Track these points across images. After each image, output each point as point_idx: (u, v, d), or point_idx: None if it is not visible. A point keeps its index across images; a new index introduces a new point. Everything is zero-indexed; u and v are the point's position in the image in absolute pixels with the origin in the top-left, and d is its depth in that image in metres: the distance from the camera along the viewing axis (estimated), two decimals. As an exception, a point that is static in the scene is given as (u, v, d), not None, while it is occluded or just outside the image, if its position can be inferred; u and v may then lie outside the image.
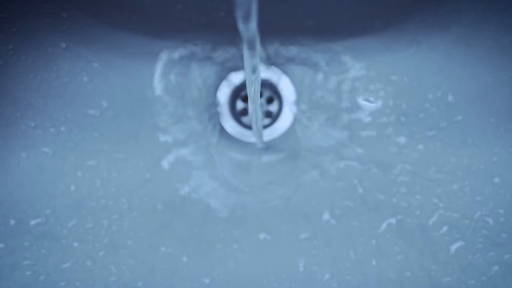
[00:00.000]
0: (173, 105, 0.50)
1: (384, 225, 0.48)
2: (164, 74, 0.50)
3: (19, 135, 0.45)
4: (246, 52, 0.30)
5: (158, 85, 0.50)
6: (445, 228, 0.47)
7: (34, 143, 0.46)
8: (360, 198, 0.49)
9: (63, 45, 0.45)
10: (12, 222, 0.45)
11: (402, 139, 0.49)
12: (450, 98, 0.47)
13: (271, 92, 0.53)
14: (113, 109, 0.49)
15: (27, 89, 0.45)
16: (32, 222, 0.45)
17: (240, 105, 0.53)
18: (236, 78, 0.51)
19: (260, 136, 0.45)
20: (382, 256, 0.47)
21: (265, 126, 0.52)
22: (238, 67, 0.51)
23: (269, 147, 0.51)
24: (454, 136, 0.48)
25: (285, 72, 0.51)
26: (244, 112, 0.53)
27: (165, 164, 0.50)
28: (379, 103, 0.50)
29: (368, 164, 0.50)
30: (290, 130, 0.51)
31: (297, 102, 0.51)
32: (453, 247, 0.46)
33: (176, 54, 0.49)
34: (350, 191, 0.49)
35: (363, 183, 0.49)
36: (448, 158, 0.48)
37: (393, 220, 0.48)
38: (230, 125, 0.52)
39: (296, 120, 0.51)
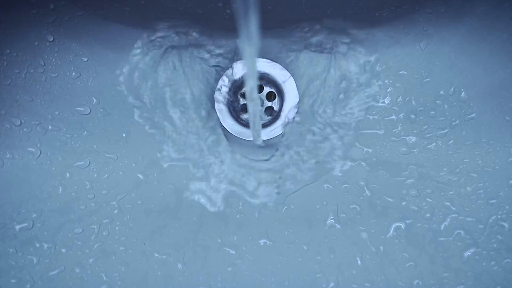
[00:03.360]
0: (168, 102, 0.48)
1: (392, 230, 0.45)
2: (158, 69, 0.47)
3: (3, 134, 0.43)
4: (244, 47, 0.28)
5: (151, 80, 0.48)
6: (457, 233, 0.44)
7: (20, 143, 0.44)
8: (367, 201, 0.47)
9: (51, 38, 0.43)
10: (-4, 226, 0.43)
11: (412, 138, 0.47)
12: (463, 94, 0.45)
13: (273, 88, 0.50)
14: (104, 106, 0.46)
15: (12, 85, 0.43)
16: (17, 227, 0.43)
17: (239, 102, 0.51)
18: (235, 73, 0.49)
19: (258, 135, 0.43)
20: (391, 263, 0.45)
21: (266, 124, 0.50)
22: (237, 61, 0.49)
23: (268, 146, 0.49)
24: (467, 135, 0.45)
25: (287, 67, 0.48)
26: (244, 109, 0.51)
27: (159, 164, 0.48)
28: (387, 100, 0.47)
29: (376, 165, 0.47)
30: (292, 128, 0.49)
31: (300, 99, 0.48)
32: (466, 254, 0.44)
33: (171, 48, 0.47)
34: (356, 194, 0.47)
35: (370, 185, 0.47)
36: (461, 158, 0.45)
37: (402, 225, 0.45)
38: (228, 123, 0.49)
39: (298, 117, 0.48)
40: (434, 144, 0.46)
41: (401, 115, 0.47)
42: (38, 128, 0.44)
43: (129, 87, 0.47)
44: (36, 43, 0.43)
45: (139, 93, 0.47)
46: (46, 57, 0.44)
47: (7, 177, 0.43)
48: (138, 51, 0.46)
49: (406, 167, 0.47)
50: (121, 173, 0.47)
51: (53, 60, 0.44)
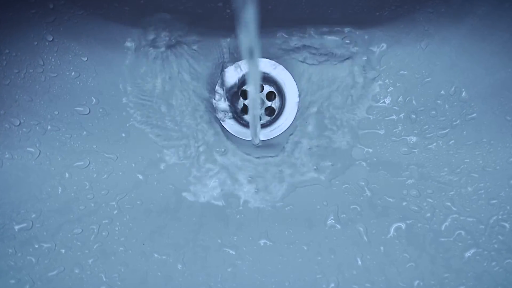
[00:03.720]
0: (167, 102, 0.48)
1: (393, 230, 0.45)
2: (158, 68, 0.47)
3: (2, 134, 0.43)
4: (245, 47, 0.28)
5: (151, 80, 0.47)
6: (458, 234, 0.44)
7: (19, 143, 0.44)
8: (368, 202, 0.46)
9: (50, 38, 0.43)
10: (-5, 227, 0.43)
11: (412, 138, 0.46)
12: (463, 94, 0.45)
13: (273, 88, 0.50)
14: (103, 106, 0.46)
15: (11, 85, 0.42)
16: (17, 227, 0.43)
17: (240, 102, 0.51)
18: (236, 72, 0.48)
19: (256, 135, 0.43)
20: (391, 263, 0.44)
21: (266, 124, 0.49)
22: (238, 61, 0.49)
23: (268, 146, 0.49)
24: (468, 134, 0.45)
25: (288, 67, 0.48)
26: (244, 109, 0.51)
27: (158, 165, 0.47)
28: (388, 100, 0.47)
29: (376, 165, 0.47)
30: (292, 128, 0.48)
31: (300, 99, 0.48)
32: (467, 254, 0.43)
33: (171, 48, 0.47)
34: (356, 194, 0.47)
35: (370, 186, 0.47)
36: (461, 158, 0.45)
37: (402, 225, 0.45)
38: (228, 123, 0.49)
39: (298, 117, 0.48)
40: (434, 144, 0.46)
41: (401, 115, 0.47)
42: (37, 128, 0.44)
43: (129, 87, 0.47)
44: (36, 43, 0.43)
45: (139, 93, 0.47)
46: (45, 56, 0.43)
47: (6, 177, 0.43)
48: (138, 50, 0.46)
49: (407, 167, 0.46)
50: (120, 173, 0.46)
51: (53, 60, 0.44)
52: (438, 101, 0.45)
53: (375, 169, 0.47)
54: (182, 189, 0.47)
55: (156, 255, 0.45)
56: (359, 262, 0.45)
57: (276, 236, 0.46)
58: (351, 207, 0.47)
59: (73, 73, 0.45)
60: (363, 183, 0.47)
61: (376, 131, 0.47)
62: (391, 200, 0.46)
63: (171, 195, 0.47)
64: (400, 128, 0.47)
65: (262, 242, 0.46)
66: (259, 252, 0.46)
